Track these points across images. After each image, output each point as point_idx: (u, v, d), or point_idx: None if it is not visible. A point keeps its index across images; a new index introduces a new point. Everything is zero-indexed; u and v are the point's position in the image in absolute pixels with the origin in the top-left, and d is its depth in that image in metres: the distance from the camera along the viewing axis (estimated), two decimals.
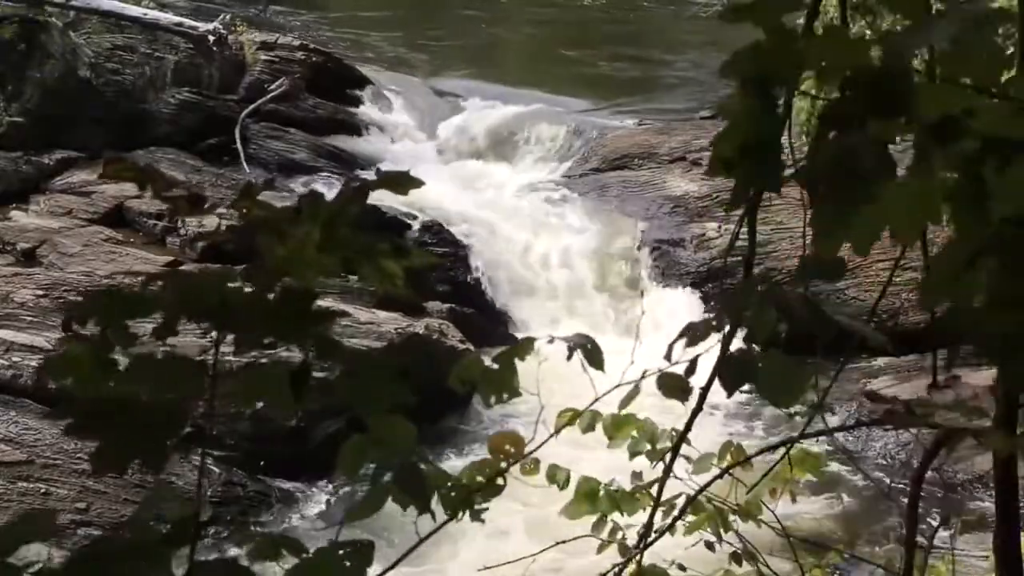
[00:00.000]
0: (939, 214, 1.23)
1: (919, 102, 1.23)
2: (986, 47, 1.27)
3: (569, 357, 1.84)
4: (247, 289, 1.30)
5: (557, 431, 2.25)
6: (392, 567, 1.58)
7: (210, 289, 1.28)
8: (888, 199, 1.23)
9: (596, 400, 2.08)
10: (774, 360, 1.54)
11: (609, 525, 3.05)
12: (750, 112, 1.32)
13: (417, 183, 1.42)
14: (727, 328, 1.62)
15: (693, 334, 1.62)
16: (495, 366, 1.80)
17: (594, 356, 1.81)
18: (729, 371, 1.57)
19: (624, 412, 2.94)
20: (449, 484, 1.60)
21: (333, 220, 1.31)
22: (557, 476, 3.09)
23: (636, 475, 3.02)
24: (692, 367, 1.77)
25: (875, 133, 1.26)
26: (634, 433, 2.98)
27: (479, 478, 1.81)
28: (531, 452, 1.90)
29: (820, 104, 1.36)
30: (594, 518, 3.06)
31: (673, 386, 1.84)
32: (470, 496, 1.64)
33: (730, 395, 1.64)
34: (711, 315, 1.62)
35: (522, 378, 1.82)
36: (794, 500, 3.42)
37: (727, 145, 1.35)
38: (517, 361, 1.80)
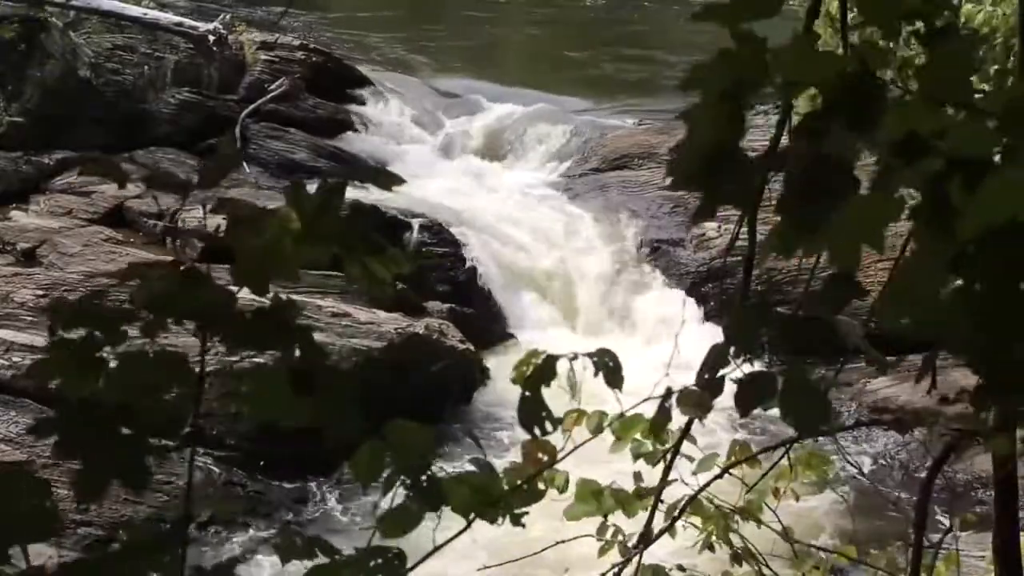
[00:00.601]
0: (882, 240, 1.20)
1: (886, 119, 1.21)
2: (965, 64, 1.26)
3: (596, 374, 1.83)
4: (233, 288, 1.30)
5: (574, 445, 2.24)
6: (409, 571, 1.57)
7: (190, 293, 1.27)
8: (845, 217, 1.21)
9: (620, 415, 2.08)
10: (796, 383, 1.48)
11: (610, 529, 3.05)
12: (714, 123, 1.28)
13: (398, 180, 1.42)
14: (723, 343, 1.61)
15: (715, 360, 1.60)
16: (526, 393, 1.79)
17: (614, 374, 1.81)
18: (747, 392, 1.53)
19: (633, 413, 2.94)
20: (481, 487, 1.59)
21: (313, 215, 1.30)
22: (556, 480, 3.08)
23: (637, 475, 3.02)
24: (718, 386, 1.76)
25: (839, 148, 1.24)
26: (639, 435, 2.97)
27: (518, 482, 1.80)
28: (560, 459, 1.90)
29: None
30: (581, 528, 3.05)
31: (693, 403, 1.84)
32: (508, 500, 1.63)
33: (744, 416, 1.63)
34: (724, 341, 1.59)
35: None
36: (797, 499, 3.42)
37: (689, 157, 1.30)
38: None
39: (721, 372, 1.63)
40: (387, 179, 1.42)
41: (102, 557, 1.27)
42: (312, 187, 1.35)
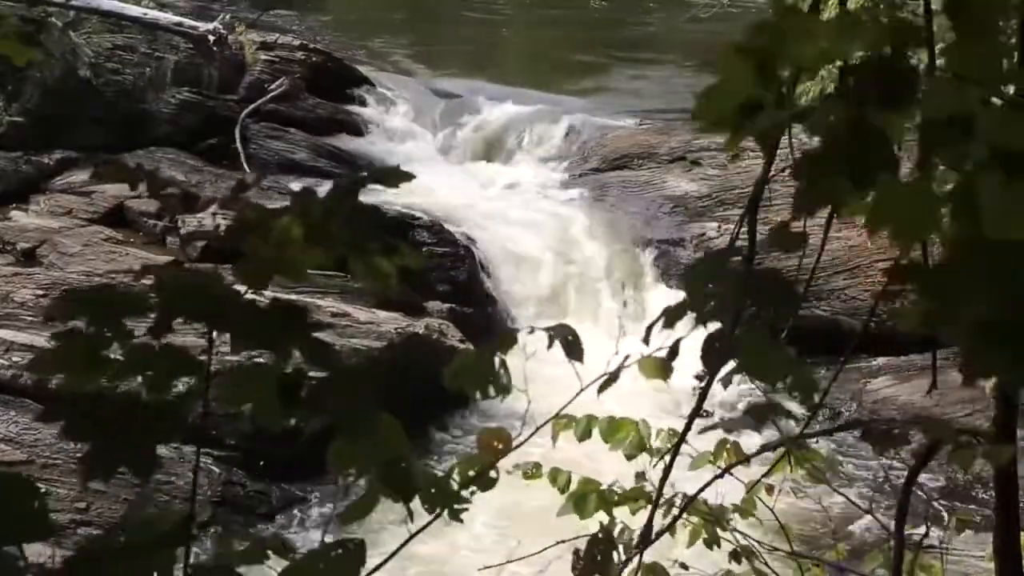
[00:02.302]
0: (939, 222, 1.20)
1: (923, 99, 1.21)
2: (992, 44, 1.26)
3: (549, 346, 1.83)
4: (239, 288, 1.30)
5: (554, 438, 2.24)
6: (381, 565, 1.58)
7: (201, 291, 1.27)
8: (888, 197, 1.21)
9: (580, 392, 2.07)
10: (757, 338, 1.52)
11: (617, 526, 3.05)
12: (749, 78, 1.29)
13: (408, 176, 1.42)
14: (715, 315, 1.61)
15: (670, 316, 1.61)
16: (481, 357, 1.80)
17: (573, 347, 1.81)
18: (712, 351, 1.56)
19: (620, 415, 2.94)
20: (435, 482, 1.60)
21: (323, 217, 1.31)
22: (558, 479, 3.09)
23: (640, 475, 3.02)
24: (674, 350, 1.77)
25: (878, 123, 1.24)
26: (631, 434, 2.98)
27: (470, 472, 1.81)
28: (516, 447, 1.90)
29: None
30: (584, 526, 3.06)
31: (652, 367, 1.84)
32: (457, 492, 1.64)
33: (714, 375, 1.63)
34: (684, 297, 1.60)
35: (516, 376, 1.82)
36: (796, 496, 3.43)
37: (721, 102, 1.31)
38: (507, 357, 1.80)
39: (677, 337, 1.65)
40: (396, 177, 1.43)
41: (102, 556, 1.27)
42: (323, 189, 1.35)
